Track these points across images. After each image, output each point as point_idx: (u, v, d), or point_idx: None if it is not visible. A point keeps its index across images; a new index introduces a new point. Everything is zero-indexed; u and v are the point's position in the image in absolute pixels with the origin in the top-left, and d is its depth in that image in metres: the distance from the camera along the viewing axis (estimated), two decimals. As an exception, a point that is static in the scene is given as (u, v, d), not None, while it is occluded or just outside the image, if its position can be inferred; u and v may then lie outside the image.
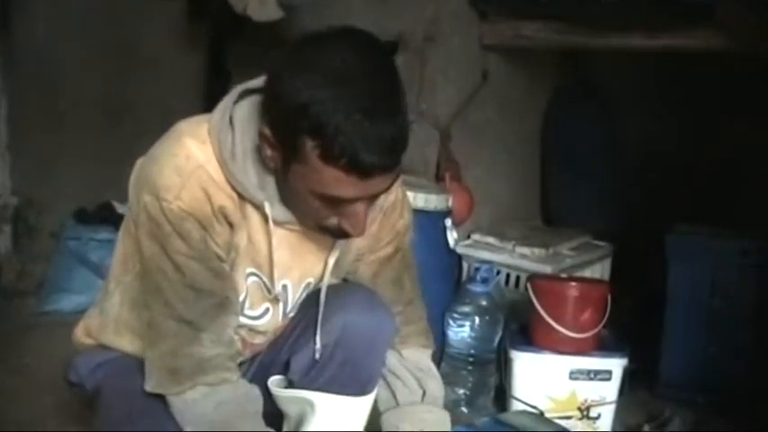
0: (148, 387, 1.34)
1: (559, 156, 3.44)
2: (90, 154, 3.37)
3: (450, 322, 2.37)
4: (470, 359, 2.36)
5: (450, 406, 2.40)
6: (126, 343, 1.48)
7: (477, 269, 2.45)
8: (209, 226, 1.28)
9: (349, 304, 1.49)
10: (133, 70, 3.50)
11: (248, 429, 1.35)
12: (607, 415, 2.20)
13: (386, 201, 1.45)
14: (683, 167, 3.41)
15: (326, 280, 1.47)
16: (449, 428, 1.62)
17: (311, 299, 1.50)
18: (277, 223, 1.34)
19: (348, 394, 1.53)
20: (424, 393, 1.60)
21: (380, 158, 1.16)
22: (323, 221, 1.28)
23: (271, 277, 1.41)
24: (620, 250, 3.07)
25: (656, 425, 2.28)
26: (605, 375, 2.19)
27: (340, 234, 1.31)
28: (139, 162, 1.35)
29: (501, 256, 2.74)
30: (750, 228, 2.58)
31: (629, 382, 2.29)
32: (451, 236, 2.55)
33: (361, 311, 1.49)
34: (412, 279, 1.63)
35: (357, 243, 1.46)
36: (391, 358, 1.59)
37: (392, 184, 1.25)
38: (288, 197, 1.31)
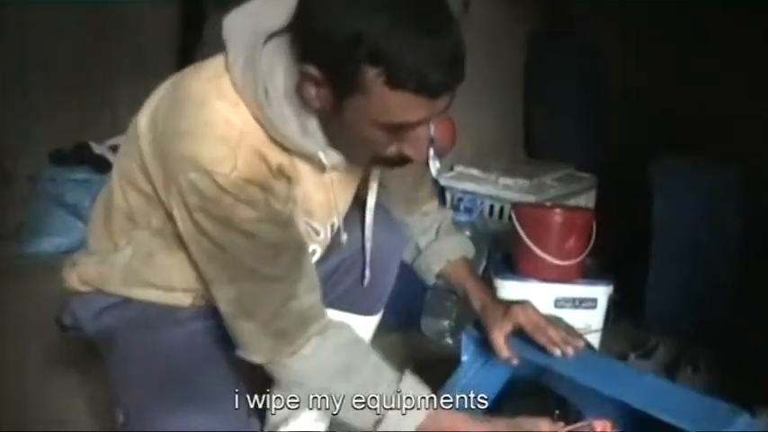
0: (259, 359, 1.29)
1: (543, 89, 3.41)
2: (65, 98, 3.31)
3: (434, 253, 2.35)
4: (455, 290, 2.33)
5: (436, 337, 2.41)
6: (138, 293, 1.41)
7: (460, 199, 2.42)
8: (270, 188, 1.22)
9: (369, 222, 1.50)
10: (106, 13, 3.41)
11: (370, 366, 1.33)
12: (592, 343, 2.19)
13: None
14: (667, 102, 3.37)
15: (371, 204, 1.46)
16: (470, 247, 1.68)
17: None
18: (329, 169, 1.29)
19: (356, 312, 1.54)
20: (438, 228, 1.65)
21: (449, 74, 1.10)
22: (381, 153, 1.22)
23: (326, 223, 1.40)
24: (605, 184, 3.05)
25: (642, 354, 2.27)
26: (590, 303, 2.17)
27: (399, 162, 1.25)
28: (144, 125, 1.25)
29: (484, 187, 2.72)
30: (735, 159, 2.55)
31: (614, 312, 2.28)
32: (434, 165, 2.50)
33: (380, 229, 1.50)
34: None
35: None
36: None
37: (452, 102, 1.18)
38: (338, 136, 1.24)
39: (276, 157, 1.22)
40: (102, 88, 3.37)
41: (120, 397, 1.37)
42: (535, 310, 1.52)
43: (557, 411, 1.57)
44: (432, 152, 2.44)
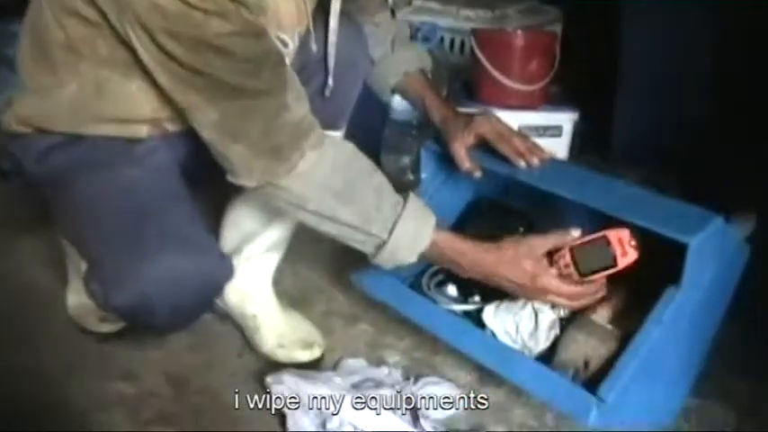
0: (253, 182, 1.21)
1: None
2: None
3: (392, 87, 2.25)
4: (414, 123, 2.24)
5: (397, 174, 2.33)
6: (89, 128, 1.29)
7: (417, 29, 2.30)
8: None
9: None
10: None
11: (373, 188, 1.28)
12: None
13: None
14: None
15: (336, 8, 1.36)
16: (428, 60, 1.63)
17: None
18: None
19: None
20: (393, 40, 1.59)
21: None
22: None
23: (294, 33, 1.32)
24: (572, 17, 2.93)
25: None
26: (555, 131, 2.10)
27: None
28: None
29: (444, 20, 2.58)
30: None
31: (581, 145, 2.22)
32: (388, -8, 2.39)
33: (342, 36, 1.40)
34: None
35: None
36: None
37: None
38: None
39: None
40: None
41: (80, 244, 1.29)
42: (498, 120, 1.46)
43: (521, 229, 1.51)
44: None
